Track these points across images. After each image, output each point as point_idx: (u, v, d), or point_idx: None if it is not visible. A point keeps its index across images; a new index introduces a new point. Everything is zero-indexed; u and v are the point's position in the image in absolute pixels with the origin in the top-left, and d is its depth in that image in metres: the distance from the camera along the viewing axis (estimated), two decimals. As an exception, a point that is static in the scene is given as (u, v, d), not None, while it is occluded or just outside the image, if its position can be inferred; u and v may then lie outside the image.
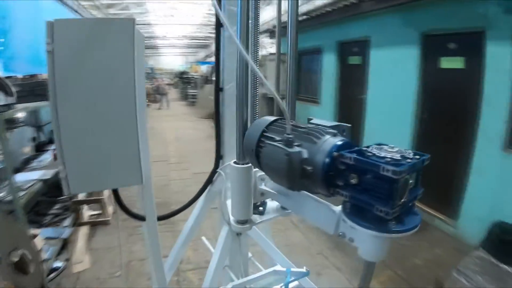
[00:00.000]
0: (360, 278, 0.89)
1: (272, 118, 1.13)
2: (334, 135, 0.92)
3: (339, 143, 0.86)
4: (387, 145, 0.85)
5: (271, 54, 9.19)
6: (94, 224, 3.66)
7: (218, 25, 1.46)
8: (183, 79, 18.40)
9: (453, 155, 3.79)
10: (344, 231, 0.91)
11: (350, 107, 6.31)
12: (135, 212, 1.46)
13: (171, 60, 31.13)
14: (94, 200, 3.67)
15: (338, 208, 0.94)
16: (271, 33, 10.83)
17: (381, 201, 0.72)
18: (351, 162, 0.76)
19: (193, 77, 17.07)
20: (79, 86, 1.08)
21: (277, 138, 0.98)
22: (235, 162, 1.25)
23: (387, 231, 0.74)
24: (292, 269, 1.98)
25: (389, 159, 0.74)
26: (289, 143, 0.89)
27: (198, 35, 20.19)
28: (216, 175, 1.67)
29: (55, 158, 1.21)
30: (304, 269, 2.05)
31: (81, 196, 3.70)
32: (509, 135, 3.12)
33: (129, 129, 1.15)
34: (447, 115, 4.01)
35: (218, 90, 1.54)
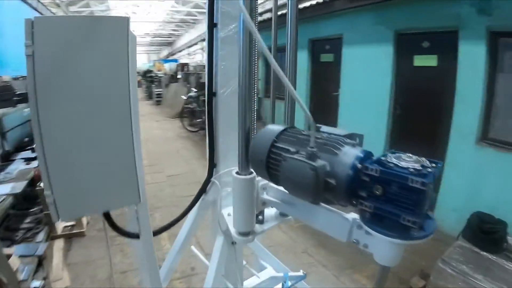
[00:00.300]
0: (376, 281, 0.91)
1: (279, 127, 1.09)
2: (353, 145, 0.90)
3: (361, 154, 0.84)
4: (402, 153, 0.86)
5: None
6: (69, 237, 3.41)
7: (212, 25, 1.37)
8: (147, 78, 17.93)
9: (428, 149, 3.95)
10: (358, 238, 0.92)
11: (323, 104, 6.41)
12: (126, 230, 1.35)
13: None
14: (68, 211, 3.42)
15: (350, 216, 0.95)
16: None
17: (408, 211, 0.73)
18: (376, 174, 0.76)
19: (157, 76, 16.64)
20: (65, 95, 0.95)
21: (293, 150, 0.94)
22: (237, 173, 1.19)
23: (411, 238, 0.75)
24: (290, 274, 1.96)
25: (412, 170, 0.75)
26: (312, 157, 0.86)
27: (161, 32, 19.78)
28: (210, 184, 1.59)
29: (37, 179, 1.05)
30: (301, 273, 2.05)
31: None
32: (481, 129, 3.29)
33: (124, 141, 1.04)
34: (422, 111, 4.16)
35: (211, 95, 1.46)
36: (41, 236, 3.04)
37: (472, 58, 3.19)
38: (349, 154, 0.86)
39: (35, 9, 6.49)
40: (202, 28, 15.25)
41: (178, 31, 19.08)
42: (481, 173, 3.30)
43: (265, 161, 1.02)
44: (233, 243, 1.64)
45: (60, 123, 0.94)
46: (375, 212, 0.79)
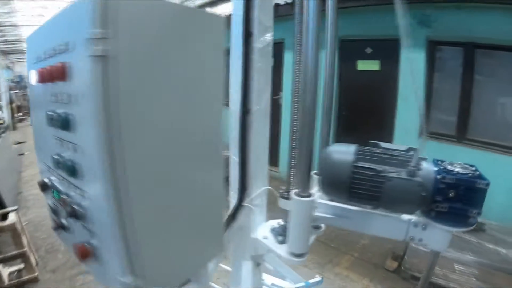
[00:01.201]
0: (427, 267, 1.10)
1: (350, 147, 1.11)
2: (425, 159, 1.03)
3: (436, 168, 0.98)
4: (444, 160, 1.03)
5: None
6: (20, 285, 2.83)
7: (247, 34, 1.27)
8: None
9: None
10: (413, 234, 1.05)
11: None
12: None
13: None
14: (15, 256, 2.83)
15: (405, 217, 1.07)
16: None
17: (474, 206, 0.91)
18: (452, 182, 0.92)
19: None
20: (159, 120, 0.67)
21: (379, 169, 0.99)
22: (297, 194, 1.16)
23: (471, 224, 0.94)
24: (311, 281, 2.01)
25: (471, 174, 0.93)
26: (414, 174, 0.93)
27: None
28: (240, 209, 1.49)
29: (84, 256, 0.71)
30: (318, 278, 2.11)
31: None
32: (423, 125, 3.78)
33: (216, 179, 0.87)
34: (367, 112, 4.60)
35: (245, 112, 1.37)
36: (-12, 292, 2.46)
37: (413, 63, 3.66)
38: (429, 168, 0.99)
39: None
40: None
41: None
42: (425, 161, 3.82)
43: (349, 183, 1.03)
44: (258, 264, 1.61)
45: (152, 163, 0.67)
46: (450, 211, 0.94)
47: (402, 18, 0.75)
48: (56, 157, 0.79)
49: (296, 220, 1.20)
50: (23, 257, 2.88)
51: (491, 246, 2.63)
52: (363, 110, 4.64)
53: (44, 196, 1.06)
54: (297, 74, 1.34)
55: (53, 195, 0.92)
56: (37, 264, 3.18)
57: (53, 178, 0.93)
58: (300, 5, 1.25)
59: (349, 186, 1.04)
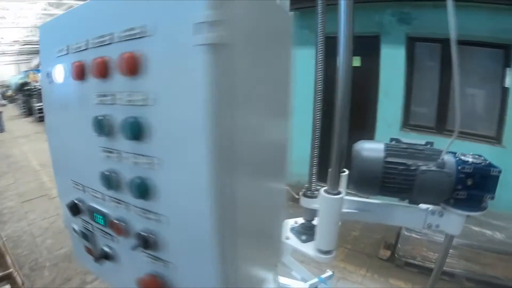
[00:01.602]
0: (443, 249, 1.16)
1: (379, 144, 1.15)
2: (446, 152, 1.09)
3: (455, 159, 1.05)
4: (456, 152, 1.09)
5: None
6: (8, 309, 2.64)
7: None
8: (25, 91, 15.42)
9: (358, 139, 4.54)
10: (431, 222, 1.13)
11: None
12: None
13: (1, 70, 25.01)
14: (1, 278, 2.62)
15: (423, 206, 1.14)
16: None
17: (488, 191, 1.00)
18: (470, 171, 1.00)
19: (35, 88, 14.44)
20: (251, 122, 0.64)
21: (410, 163, 1.04)
22: (327, 192, 1.19)
23: (484, 209, 1.02)
24: (323, 276, 2.05)
25: (483, 163, 1.01)
26: (443, 166, 0.99)
27: (31, 39, 17.09)
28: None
29: None
30: (329, 272, 2.16)
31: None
32: (403, 117, 3.99)
33: (280, 189, 0.88)
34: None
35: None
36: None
37: (393, 59, 3.83)
38: (450, 160, 1.04)
39: None
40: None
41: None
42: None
43: (381, 178, 1.07)
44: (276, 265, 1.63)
45: (246, 171, 0.63)
46: (460, 198, 1.01)
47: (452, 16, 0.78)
48: (108, 173, 0.68)
49: (326, 218, 1.22)
50: (9, 278, 2.69)
51: (477, 229, 2.81)
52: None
53: (72, 219, 0.93)
54: (320, 74, 1.36)
55: (95, 220, 0.81)
56: (23, 284, 2.98)
57: (88, 198, 0.83)
58: (323, 4, 1.26)
59: (382, 181, 1.08)
